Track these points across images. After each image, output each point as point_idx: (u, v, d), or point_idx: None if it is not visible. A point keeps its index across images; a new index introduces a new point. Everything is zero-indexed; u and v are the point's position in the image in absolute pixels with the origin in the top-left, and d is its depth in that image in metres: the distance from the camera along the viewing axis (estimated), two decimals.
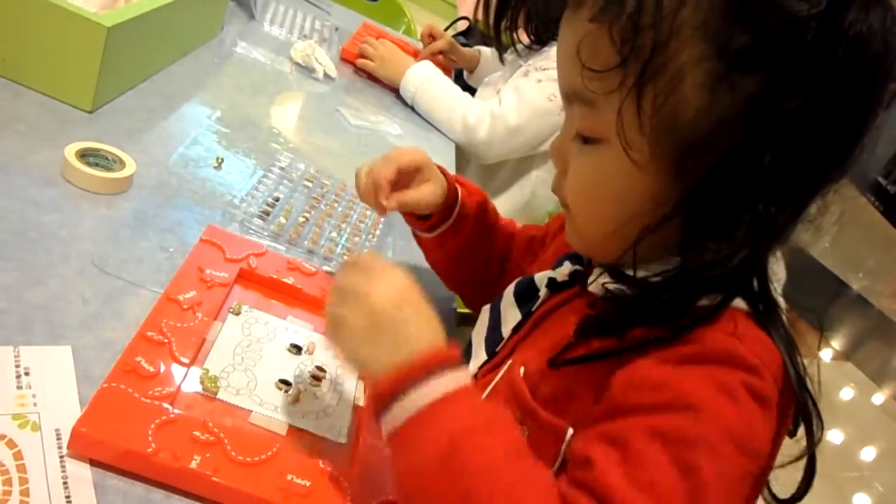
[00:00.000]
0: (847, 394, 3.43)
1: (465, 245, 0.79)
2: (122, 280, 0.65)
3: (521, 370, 0.57)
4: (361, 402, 0.64)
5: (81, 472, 0.47)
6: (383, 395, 0.47)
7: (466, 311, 0.89)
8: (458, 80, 1.84)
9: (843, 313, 4.68)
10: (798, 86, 0.45)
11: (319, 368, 0.64)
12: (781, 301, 0.52)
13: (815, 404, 0.51)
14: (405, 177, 0.74)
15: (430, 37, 1.66)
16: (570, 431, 0.50)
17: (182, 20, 1.10)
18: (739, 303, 0.49)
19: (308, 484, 0.52)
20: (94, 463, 0.48)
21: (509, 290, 0.67)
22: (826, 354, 3.69)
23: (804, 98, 0.45)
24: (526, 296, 0.64)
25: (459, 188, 0.78)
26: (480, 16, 1.34)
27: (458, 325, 0.93)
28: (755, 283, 0.50)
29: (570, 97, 0.53)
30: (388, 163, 0.73)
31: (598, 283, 0.56)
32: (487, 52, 1.68)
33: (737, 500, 0.45)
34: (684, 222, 0.49)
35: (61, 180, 0.73)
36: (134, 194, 0.77)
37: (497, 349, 0.64)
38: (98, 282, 0.63)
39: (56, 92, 0.85)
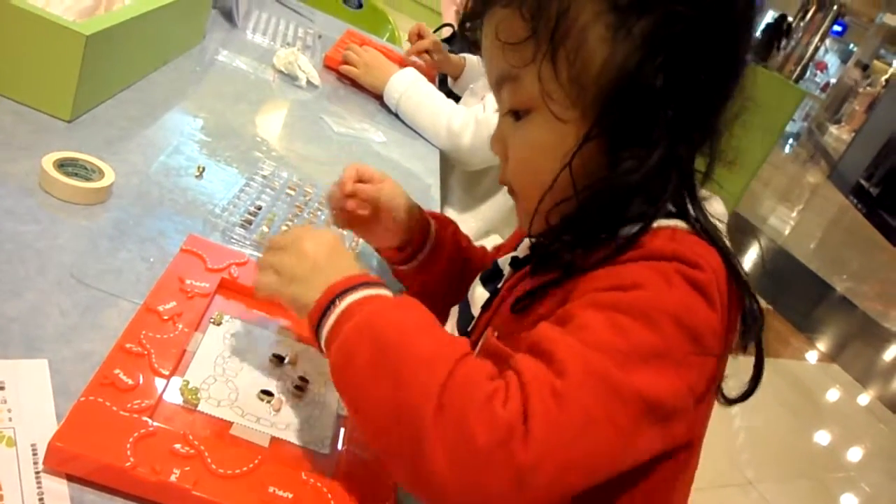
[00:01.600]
0: (833, 395, 3.45)
1: (444, 272, 0.81)
2: (101, 291, 0.64)
3: (495, 334, 0.60)
4: (345, 413, 0.63)
5: (58, 488, 0.47)
6: (314, 318, 0.55)
7: None
8: (443, 86, 1.84)
9: (828, 315, 4.72)
10: (680, 9, 0.52)
11: (302, 379, 0.64)
12: (720, 225, 0.57)
13: (754, 299, 0.55)
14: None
15: (418, 36, 1.66)
16: None
17: (163, 28, 1.09)
18: (678, 223, 0.55)
19: (290, 496, 0.51)
20: (70, 478, 0.47)
21: (476, 279, 0.70)
22: (812, 356, 3.72)
23: (685, 23, 0.52)
24: (491, 277, 0.68)
25: (432, 220, 0.81)
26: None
27: None
28: (691, 211, 0.56)
29: (500, 82, 0.59)
30: (349, 168, 0.78)
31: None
32: (473, 59, 1.68)
33: (676, 371, 0.48)
34: (608, 149, 0.55)
35: (39, 191, 0.72)
36: (113, 204, 0.76)
37: (469, 329, 0.67)
38: (76, 293, 0.62)
39: (34, 101, 0.84)
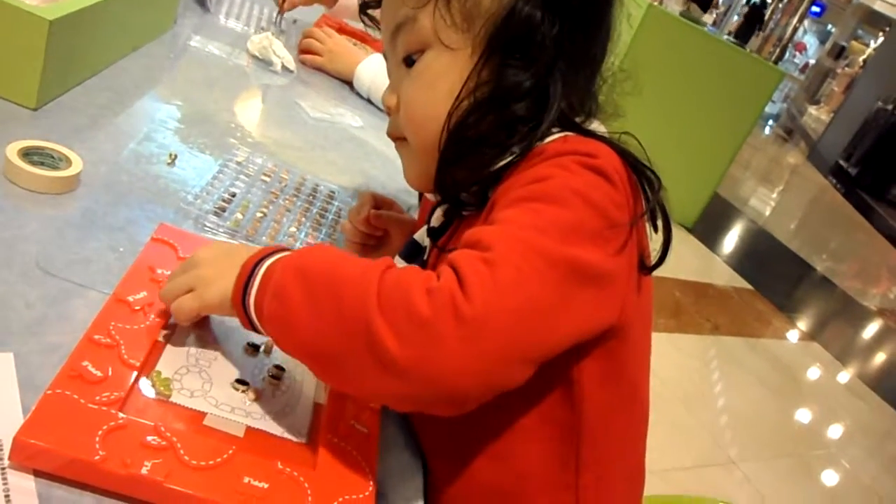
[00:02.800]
0: (813, 373, 3.49)
1: None
2: (69, 282, 0.62)
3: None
4: (322, 400, 0.62)
5: (25, 484, 0.45)
6: (238, 306, 0.56)
7: None
8: None
9: (808, 295, 4.77)
10: None
11: (278, 367, 0.63)
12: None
13: (648, 169, 0.60)
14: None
15: None
16: None
17: (131, 13, 1.07)
18: (567, 133, 0.61)
19: (266, 486, 0.50)
20: (38, 473, 0.46)
21: (397, 258, 0.72)
22: (793, 335, 3.76)
23: None
24: (413, 254, 0.70)
25: None
26: None
27: None
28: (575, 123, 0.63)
29: (395, 31, 0.65)
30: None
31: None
32: None
33: (592, 245, 0.53)
34: (496, 73, 0.61)
35: (3, 180, 0.71)
36: (82, 193, 0.75)
37: None
38: (43, 285, 0.61)
39: None
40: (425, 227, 0.70)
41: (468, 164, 0.62)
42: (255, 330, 0.56)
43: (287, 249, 0.58)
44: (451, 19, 0.61)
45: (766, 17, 9.19)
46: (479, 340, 0.47)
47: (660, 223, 0.61)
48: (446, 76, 0.63)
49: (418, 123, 0.66)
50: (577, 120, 0.64)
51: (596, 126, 0.65)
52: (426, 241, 0.70)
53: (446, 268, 0.50)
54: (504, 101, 0.61)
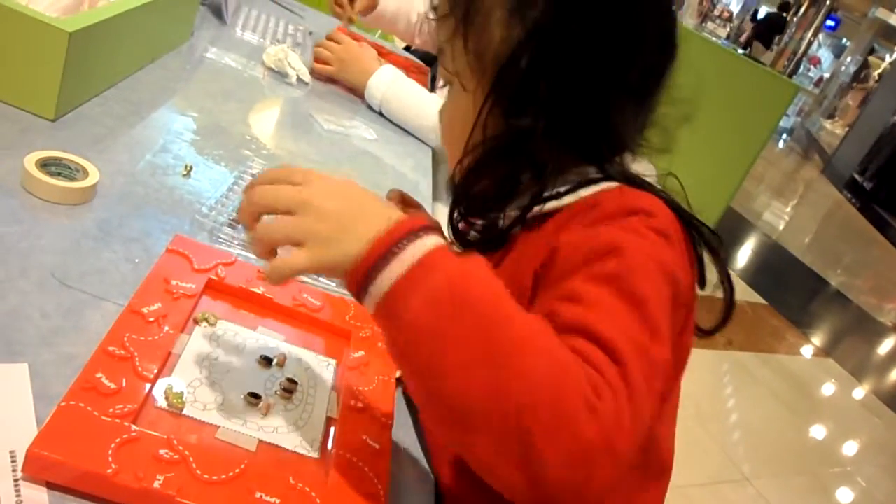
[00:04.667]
0: (828, 389, 3.46)
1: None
2: (85, 293, 0.62)
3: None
4: (334, 415, 0.62)
5: (38, 496, 0.45)
6: (361, 274, 0.47)
7: None
8: (437, 80, 1.82)
9: (823, 310, 4.72)
10: (571, 11, 0.58)
11: (290, 381, 0.62)
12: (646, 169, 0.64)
13: (710, 231, 0.61)
14: None
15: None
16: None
17: (149, 25, 1.08)
18: (614, 184, 0.61)
19: (278, 501, 0.50)
20: (51, 486, 0.46)
21: None
22: (807, 351, 3.72)
23: (575, 21, 0.58)
24: None
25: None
26: None
27: None
28: (612, 170, 0.62)
29: (438, 53, 0.66)
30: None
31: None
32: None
33: (670, 315, 0.53)
34: (504, 111, 0.60)
35: (21, 191, 0.71)
36: (98, 204, 0.75)
37: None
38: (59, 295, 0.61)
39: (16, 100, 0.83)
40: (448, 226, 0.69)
41: (481, 207, 0.65)
42: (360, 302, 0.49)
43: (436, 230, 0.49)
44: (465, 59, 0.61)
45: (781, 26, 9.18)
46: (619, 468, 0.45)
47: (711, 274, 0.60)
48: (462, 115, 0.63)
49: (447, 148, 0.68)
50: (621, 158, 0.63)
51: (644, 167, 0.65)
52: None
53: (601, 382, 0.45)
54: (511, 151, 0.61)
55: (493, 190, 0.63)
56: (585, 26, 0.58)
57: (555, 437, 0.43)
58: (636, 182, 0.61)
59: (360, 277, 0.47)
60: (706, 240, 0.60)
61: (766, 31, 11.31)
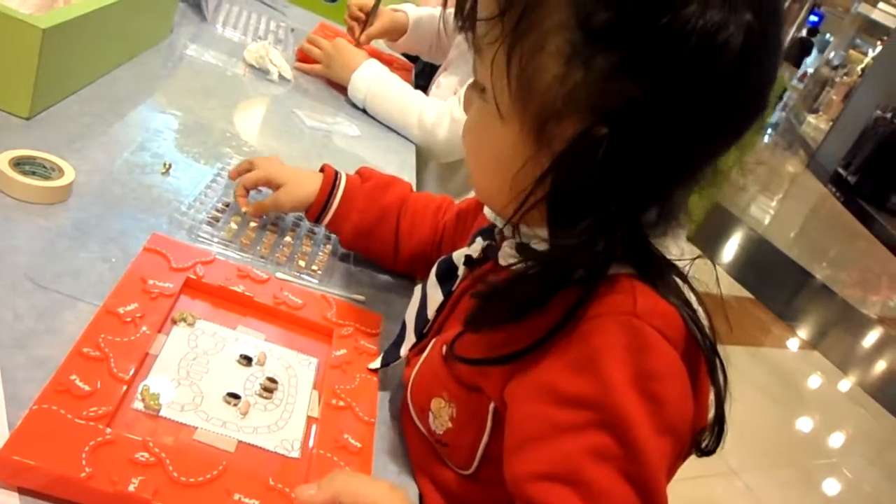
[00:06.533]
0: (814, 382, 3.48)
1: (358, 231, 0.83)
2: (59, 294, 0.61)
3: (444, 349, 0.59)
4: (315, 414, 0.61)
5: (10, 502, 0.44)
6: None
7: None
8: (420, 77, 1.81)
9: (808, 303, 4.75)
10: (647, 73, 0.45)
11: (271, 380, 0.62)
12: (679, 255, 0.54)
13: (721, 361, 0.52)
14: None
15: (362, 14, 1.57)
16: (492, 405, 0.54)
17: (127, 22, 1.06)
18: (630, 269, 0.51)
19: (257, 503, 0.49)
20: (22, 491, 0.45)
21: (432, 271, 0.68)
22: (793, 344, 3.74)
23: (650, 85, 0.45)
24: (446, 275, 0.66)
25: (347, 176, 0.84)
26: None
27: None
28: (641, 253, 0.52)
29: (474, 47, 0.54)
30: (238, 184, 0.85)
31: (506, 256, 0.58)
32: (420, 17, 1.62)
33: (670, 469, 0.49)
34: (549, 198, 0.49)
35: None
36: (74, 203, 0.74)
37: (424, 331, 0.66)
38: (32, 296, 0.60)
39: None
40: (464, 250, 0.65)
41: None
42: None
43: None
44: (506, 77, 0.49)
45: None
46: None
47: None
48: (492, 138, 0.53)
49: (468, 156, 0.59)
50: (657, 233, 0.52)
51: (678, 245, 0.54)
52: (462, 267, 0.64)
53: None
54: (554, 246, 0.51)
55: (532, 295, 0.50)
56: (683, 88, 0.45)
57: None
58: (657, 272, 0.51)
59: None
60: (710, 367, 0.51)
61: (798, 52, 11.62)
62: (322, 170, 0.85)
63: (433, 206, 0.85)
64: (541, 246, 0.54)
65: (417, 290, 0.69)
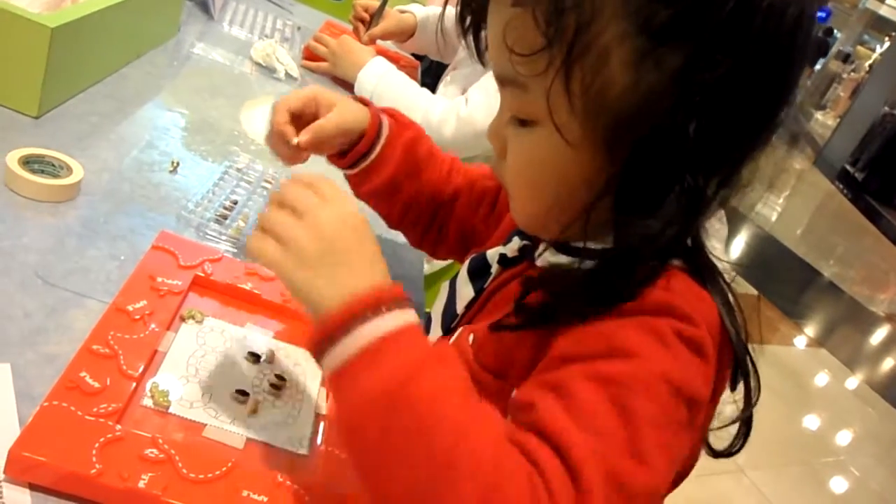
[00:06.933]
0: (821, 379, 3.47)
1: (389, 183, 0.75)
2: (68, 291, 0.62)
3: (471, 338, 0.58)
4: (324, 411, 0.61)
5: (20, 498, 0.45)
6: (327, 332, 0.45)
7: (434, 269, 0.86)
8: (426, 74, 1.81)
9: (816, 301, 4.74)
10: (719, 56, 0.45)
11: (279, 377, 0.62)
12: (722, 257, 0.53)
13: (753, 363, 0.51)
14: (309, 117, 0.71)
15: (364, 21, 1.57)
16: (515, 393, 0.51)
17: (134, 21, 1.07)
18: (674, 260, 0.50)
19: (265, 500, 0.50)
20: (33, 487, 0.45)
21: (464, 267, 0.67)
22: (800, 341, 3.73)
23: (725, 68, 0.45)
24: (479, 272, 0.65)
25: (387, 120, 0.75)
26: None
27: (426, 289, 0.92)
28: (689, 241, 0.51)
29: (503, 81, 0.52)
30: (279, 109, 0.71)
31: (545, 257, 0.57)
32: (427, 17, 1.61)
33: (673, 441, 0.45)
34: (616, 199, 0.48)
35: (4, 189, 0.70)
36: (82, 201, 0.74)
37: (452, 325, 0.65)
38: (42, 294, 0.60)
39: None
40: (499, 248, 0.64)
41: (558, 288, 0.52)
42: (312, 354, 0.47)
43: (405, 300, 0.46)
44: (568, 104, 0.47)
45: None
46: None
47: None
48: (556, 168, 0.51)
49: (518, 193, 0.56)
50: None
51: (718, 233, 0.54)
52: (495, 265, 0.63)
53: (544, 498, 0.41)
54: (621, 244, 0.49)
55: (594, 293, 0.49)
56: (752, 77, 0.46)
57: None
58: (703, 267, 0.51)
59: (319, 341, 0.45)
60: (742, 366, 0.51)
61: (815, 51, 11.50)
62: (360, 101, 0.75)
63: (447, 168, 0.80)
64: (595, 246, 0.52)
65: (445, 286, 0.69)
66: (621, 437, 0.43)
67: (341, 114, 0.72)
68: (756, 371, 0.51)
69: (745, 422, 0.53)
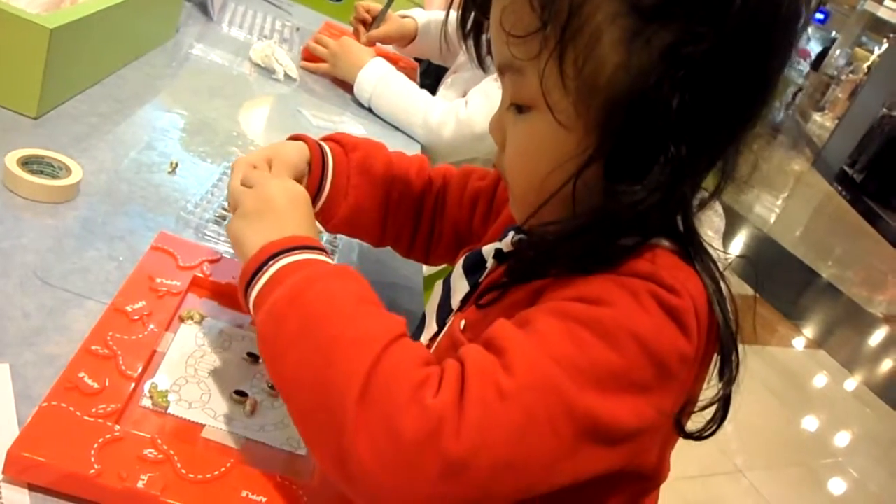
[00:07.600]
0: (820, 381, 3.47)
1: (355, 208, 0.74)
2: (67, 292, 0.62)
3: (462, 324, 0.60)
4: None
5: (19, 498, 0.45)
6: (247, 273, 0.52)
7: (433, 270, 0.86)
8: (425, 76, 1.81)
9: (814, 302, 4.74)
10: (704, 31, 0.46)
11: None
12: (717, 246, 0.54)
13: (735, 346, 0.51)
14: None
15: (366, 22, 1.57)
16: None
17: (133, 22, 1.07)
18: (664, 241, 0.51)
19: (264, 500, 0.49)
20: (32, 487, 0.45)
21: (459, 264, 0.67)
22: (798, 343, 3.74)
23: (710, 42, 0.46)
24: (474, 268, 0.65)
25: (332, 148, 0.73)
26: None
27: (426, 290, 0.92)
28: (681, 225, 0.52)
29: (503, 69, 0.54)
30: (236, 170, 0.66)
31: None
32: (428, 22, 1.61)
33: (629, 400, 0.45)
34: (605, 167, 0.49)
35: (3, 189, 0.70)
36: (81, 202, 0.74)
37: (447, 320, 0.65)
38: (41, 295, 0.60)
39: None
40: (495, 244, 0.64)
41: (550, 250, 0.53)
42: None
43: (317, 248, 0.53)
44: (562, 86, 0.48)
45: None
46: (458, 484, 0.42)
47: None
48: (551, 150, 0.52)
49: (515, 180, 0.57)
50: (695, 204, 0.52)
51: (712, 221, 0.55)
52: (491, 260, 0.64)
53: (452, 376, 0.44)
54: (607, 216, 0.49)
55: (580, 251, 0.50)
56: (735, 53, 0.46)
57: (366, 428, 0.42)
58: (695, 251, 0.51)
59: (240, 287, 0.54)
60: (727, 360, 0.51)
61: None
62: (296, 138, 0.72)
63: (414, 172, 0.79)
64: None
65: (439, 284, 0.69)
66: (570, 362, 0.44)
67: (280, 168, 0.67)
68: (738, 364, 0.51)
69: (723, 405, 0.52)
